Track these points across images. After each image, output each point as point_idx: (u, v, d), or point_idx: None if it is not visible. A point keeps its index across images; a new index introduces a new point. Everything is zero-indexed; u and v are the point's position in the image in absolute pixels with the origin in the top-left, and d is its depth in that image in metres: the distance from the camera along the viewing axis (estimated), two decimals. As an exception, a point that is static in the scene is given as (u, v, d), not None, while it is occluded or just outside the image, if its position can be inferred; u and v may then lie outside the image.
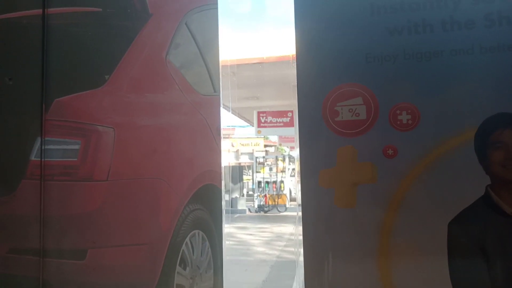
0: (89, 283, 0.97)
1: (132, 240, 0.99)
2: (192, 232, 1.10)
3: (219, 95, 1.19)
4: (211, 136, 1.16)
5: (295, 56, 0.93)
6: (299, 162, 0.92)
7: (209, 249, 1.12)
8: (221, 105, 1.16)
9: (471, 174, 0.82)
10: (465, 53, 0.83)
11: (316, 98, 0.90)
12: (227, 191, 10.83)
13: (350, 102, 0.88)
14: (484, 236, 0.81)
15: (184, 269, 1.08)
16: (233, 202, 10.53)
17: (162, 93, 1.12)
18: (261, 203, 10.38)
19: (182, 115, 1.14)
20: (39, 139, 1.06)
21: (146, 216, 1.03)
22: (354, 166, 0.87)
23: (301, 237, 0.89)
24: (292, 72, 0.92)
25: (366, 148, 0.86)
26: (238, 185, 11.19)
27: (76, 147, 1.02)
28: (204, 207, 1.11)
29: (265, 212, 10.24)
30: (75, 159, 1.02)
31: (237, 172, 11.04)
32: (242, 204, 10.78)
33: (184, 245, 1.07)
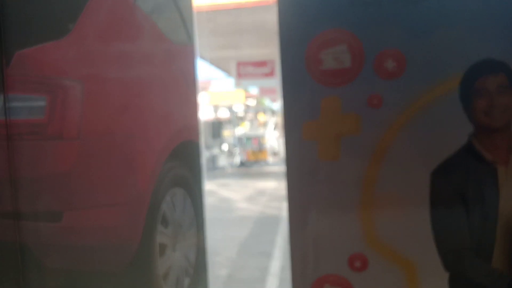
0: (68, 245, 0.96)
1: (109, 201, 0.98)
2: (172, 190, 1.09)
3: (194, 43, 1.13)
4: (187, 88, 1.12)
5: (275, 0, 0.88)
6: (282, 114, 0.90)
7: (191, 206, 1.12)
8: (197, 54, 1.11)
9: (456, 123, 0.83)
10: (453, -5, 0.80)
11: (298, 46, 0.87)
12: (207, 148, 10.85)
13: (335, 49, 0.86)
14: (465, 184, 0.83)
15: (166, 227, 1.08)
16: (213, 159, 10.58)
17: (132, 42, 1.06)
18: (243, 158, 10.47)
19: (155, 66, 1.09)
20: (1, 96, 0.99)
21: (122, 175, 1.01)
22: (338, 117, 0.86)
23: (283, 192, 0.89)
24: (272, 18, 0.87)
25: (351, 98, 0.85)
26: (218, 140, 11.18)
27: (42, 103, 0.98)
28: (184, 164, 1.10)
29: (247, 167, 10.36)
30: (42, 117, 0.98)
31: (217, 127, 10.98)
32: (223, 160, 10.86)
33: (164, 203, 1.06)
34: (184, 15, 1.15)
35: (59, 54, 1.03)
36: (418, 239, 0.87)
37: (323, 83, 0.89)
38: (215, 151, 10.76)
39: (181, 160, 1.11)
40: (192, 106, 1.13)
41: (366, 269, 0.89)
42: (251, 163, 10.22)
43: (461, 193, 0.85)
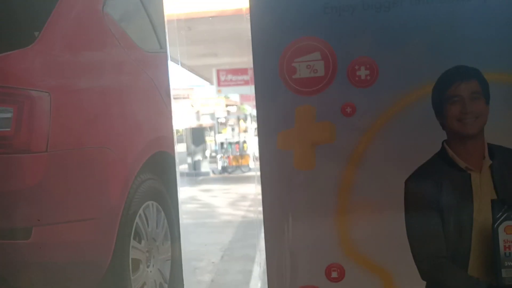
0: (37, 263, 0.92)
1: (80, 215, 0.94)
2: (146, 204, 1.06)
3: (166, 51, 1.11)
4: (160, 98, 1.09)
5: (248, 9, 0.87)
6: (256, 124, 0.89)
7: (165, 220, 1.09)
8: (169, 62, 1.09)
9: (428, 129, 0.83)
10: (425, 2, 0.81)
11: (272, 54, 0.86)
12: (190, 154, 10.77)
13: (308, 57, 0.85)
14: (439, 191, 0.84)
15: (139, 242, 1.05)
16: (196, 165, 10.50)
17: (101, 51, 1.03)
18: (225, 164, 10.43)
19: (126, 75, 1.06)
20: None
21: (94, 188, 0.98)
22: (312, 126, 0.86)
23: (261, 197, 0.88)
24: (248, 26, 0.86)
25: (324, 106, 0.85)
26: (201, 147, 11.14)
27: (8, 115, 0.94)
28: (157, 176, 1.07)
29: (229, 173, 10.33)
30: (8, 129, 0.94)
31: (199, 134, 10.95)
32: (205, 166, 10.80)
33: (137, 217, 1.03)
34: (155, 23, 1.13)
35: (25, 63, 1.00)
36: (394, 248, 0.87)
37: (296, 92, 0.89)
38: (198, 157, 10.71)
39: (155, 172, 1.08)
40: (165, 116, 1.10)
41: (343, 279, 0.88)
42: (233, 169, 10.20)
43: (436, 200, 0.86)
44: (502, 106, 0.85)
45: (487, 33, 0.85)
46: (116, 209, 1.00)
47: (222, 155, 10.44)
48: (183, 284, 1.07)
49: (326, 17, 0.87)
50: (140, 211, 1.05)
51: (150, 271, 1.06)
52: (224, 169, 10.28)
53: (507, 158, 0.86)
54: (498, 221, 0.86)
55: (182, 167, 10.58)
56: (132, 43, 1.07)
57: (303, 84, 0.88)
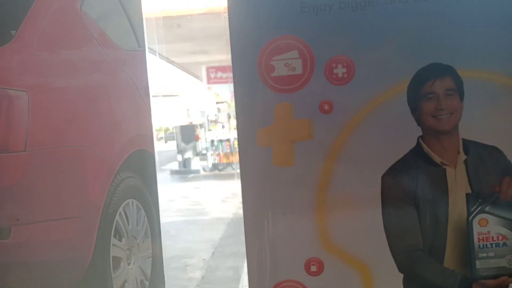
0: (16, 263, 0.92)
1: (60, 214, 0.95)
2: (126, 202, 1.07)
3: (144, 50, 1.11)
4: (138, 96, 1.10)
5: (226, 8, 0.88)
6: (236, 122, 0.90)
7: (145, 217, 1.10)
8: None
9: (404, 126, 0.85)
10: (400, 1, 0.82)
11: (250, 53, 0.87)
12: (180, 152, 10.71)
13: (286, 56, 0.86)
14: (415, 186, 0.86)
15: (120, 240, 1.06)
16: (186, 162, 10.45)
17: (80, 49, 1.03)
18: (215, 161, 10.41)
19: (104, 74, 1.06)
20: None
21: (73, 187, 0.98)
22: (291, 123, 0.87)
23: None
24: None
25: (303, 104, 0.86)
26: (191, 144, 11.09)
27: (-14, 115, 0.92)
28: (137, 175, 1.07)
29: (220, 170, 10.31)
30: (-14, 129, 0.92)
31: (189, 131, 10.89)
32: (196, 164, 10.75)
33: (117, 215, 1.04)
34: (133, 21, 1.13)
35: (2, 62, 0.99)
36: (372, 242, 0.89)
37: (275, 90, 0.90)
38: (188, 155, 10.66)
39: (134, 170, 1.09)
40: (144, 114, 1.10)
41: (322, 273, 0.90)
42: (224, 166, 10.18)
43: (412, 195, 0.88)
44: (476, 102, 0.88)
45: (461, 31, 0.87)
46: (96, 207, 1.00)
47: (212, 152, 10.41)
48: (164, 281, 1.08)
49: (303, 16, 0.88)
50: (120, 209, 1.05)
51: (131, 269, 1.06)
52: (214, 166, 10.25)
53: (481, 153, 0.88)
54: (473, 215, 0.88)
55: (172, 165, 10.53)
56: (110, 41, 1.07)
57: (282, 82, 0.90)
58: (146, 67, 1.12)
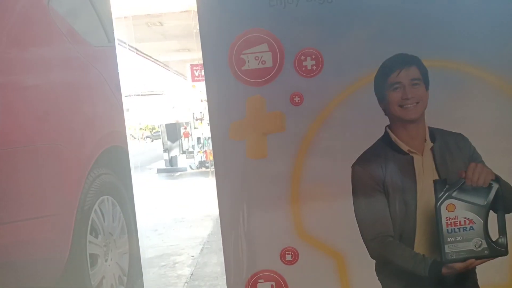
0: (-8, 263, 0.91)
1: (35, 213, 0.94)
2: (101, 198, 1.07)
3: (114, 45, 1.11)
4: (110, 92, 1.09)
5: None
6: (208, 116, 0.91)
7: (121, 214, 1.10)
8: (117, 55, 1.09)
9: (373, 116, 0.87)
10: (366, -7, 0.84)
11: (221, 47, 0.88)
12: (166, 150, 10.64)
13: (256, 49, 0.88)
14: (384, 174, 0.88)
15: (96, 237, 1.06)
16: (173, 161, 10.39)
17: (49, 46, 1.02)
18: (202, 159, 10.37)
19: (74, 71, 1.06)
20: None
21: (48, 185, 0.97)
22: (263, 116, 0.88)
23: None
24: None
25: (274, 96, 0.88)
26: (177, 142, 11.03)
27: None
28: (111, 171, 1.07)
29: (207, 168, 10.28)
30: (-44, 128, 0.91)
31: (175, 129, 10.82)
32: (182, 162, 10.69)
33: (93, 212, 1.04)
34: (102, 17, 1.12)
35: (-31, 61, 0.97)
36: (345, 230, 0.91)
37: (246, 83, 0.91)
38: (174, 153, 10.59)
39: (109, 166, 1.09)
40: (116, 110, 1.10)
41: (297, 261, 0.92)
42: (210, 163, 10.14)
43: (381, 183, 0.91)
44: (441, 91, 0.91)
45: (426, 22, 0.90)
46: (71, 205, 1.00)
47: (199, 150, 10.36)
48: (142, 276, 1.09)
49: (271, 9, 0.89)
50: (96, 206, 1.05)
51: (109, 265, 1.07)
52: (201, 164, 10.21)
53: (447, 141, 0.91)
54: (441, 200, 0.91)
55: (159, 164, 10.45)
56: (79, 38, 1.06)
57: (253, 75, 0.91)
58: (116, 62, 1.11)
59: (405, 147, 0.90)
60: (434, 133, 0.91)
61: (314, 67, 0.89)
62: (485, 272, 0.91)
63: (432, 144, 0.91)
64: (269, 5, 0.89)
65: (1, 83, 0.96)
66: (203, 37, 0.91)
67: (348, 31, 0.89)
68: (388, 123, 0.90)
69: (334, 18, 0.89)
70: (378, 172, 0.90)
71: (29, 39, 0.99)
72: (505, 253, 0.90)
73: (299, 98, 0.90)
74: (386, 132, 0.90)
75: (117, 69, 1.12)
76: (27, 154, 0.97)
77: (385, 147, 0.90)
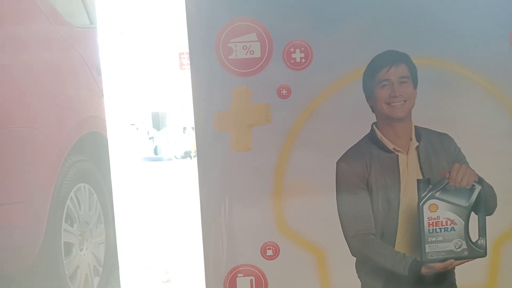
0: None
1: (7, 199, 0.93)
2: (77, 186, 1.06)
3: (96, 27, 1.08)
4: (90, 76, 1.07)
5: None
6: (192, 105, 0.90)
7: (98, 202, 1.09)
8: (99, 38, 1.07)
9: (359, 112, 0.88)
10: (358, -13, 0.85)
11: (207, 35, 0.87)
12: (151, 139, 10.58)
13: (244, 38, 0.87)
14: (368, 171, 0.90)
15: (72, 225, 1.05)
16: (157, 150, 10.34)
17: (27, 25, 0.99)
18: (187, 149, 10.32)
19: (53, 51, 1.04)
20: None
21: (21, 171, 0.96)
22: (249, 107, 0.88)
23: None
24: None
25: (261, 88, 0.88)
26: (162, 131, 10.94)
27: None
28: (89, 158, 1.06)
29: (192, 158, 10.23)
30: None
31: (160, 118, 10.74)
32: (167, 151, 10.64)
33: (69, 200, 1.03)
34: (84, -3, 1.10)
35: None
36: (326, 226, 0.93)
37: (233, 73, 0.91)
38: (159, 142, 10.51)
39: (86, 153, 1.07)
40: (96, 95, 1.08)
41: (277, 257, 0.93)
42: (195, 153, 10.08)
43: (365, 180, 0.92)
44: (429, 90, 0.92)
45: (417, 20, 0.91)
46: (46, 192, 0.98)
47: (184, 139, 10.29)
48: (119, 266, 1.09)
49: (261, -1, 0.89)
50: (72, 194, 1.04)
51: (84, 255, 1.06)
52: (186, 153, 10.17)
53: (433, 140, 0.93)
54: (423, 200, 0.93)
55: (144, 153, 10.37)
56: (60, 17, 1.04)
57: (240, 65, 0.91)
58: (97, 45, 1.09)
59: (390, 146, 0.92)
60: (420, 132, 0.93)
61: (303, 60, 0.90)
62: (463, 272, 0.94)
63: (417, 143, 0.93)
64: (259, -6, 0.89)
65: (-26, 62, 0.94)
66: (189, 24, 0.90)
67: (339, 25, 0.89)
68: (375, 120, 0.92)
69: (325, 11, 0.89)
70: (362, 170, 0.92)
71: (7, 17, 0.97)
72: (484, 254, 0.93)
73: (286, 91, 0.91)
74: (372, 129, 0.91)
75: (98, 52, 1.10)
76: (0, 137, 0.95)
77: (370, 144, 0.91)
